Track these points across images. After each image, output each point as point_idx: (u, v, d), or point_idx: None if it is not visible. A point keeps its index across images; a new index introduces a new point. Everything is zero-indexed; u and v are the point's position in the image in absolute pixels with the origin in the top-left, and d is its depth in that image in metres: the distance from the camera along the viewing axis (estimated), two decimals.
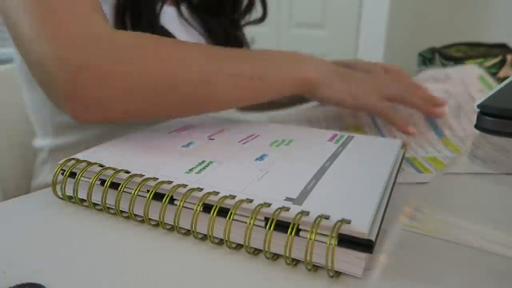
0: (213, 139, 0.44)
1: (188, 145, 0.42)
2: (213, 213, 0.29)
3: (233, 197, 0.30)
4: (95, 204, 0.34)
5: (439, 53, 0.78)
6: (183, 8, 0.62)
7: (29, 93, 0.58)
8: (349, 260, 0.26)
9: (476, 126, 0.31)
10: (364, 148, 0.42)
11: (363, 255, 0.25)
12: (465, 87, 0.59)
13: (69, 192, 0.35)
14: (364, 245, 0.25)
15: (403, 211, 0.26)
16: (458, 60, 0.74)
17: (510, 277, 0.22)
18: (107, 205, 0.33)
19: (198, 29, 0.63)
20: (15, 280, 0.25)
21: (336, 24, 1.88)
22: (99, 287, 0.25)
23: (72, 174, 0.35)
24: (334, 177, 0.34)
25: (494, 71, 0.71)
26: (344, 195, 0.31)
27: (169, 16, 0.60)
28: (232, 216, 0.28)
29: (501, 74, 0.71)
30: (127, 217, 0.33)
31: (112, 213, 0.33)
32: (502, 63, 0.71)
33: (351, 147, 0.42)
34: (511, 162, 0.33)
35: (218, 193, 0.30)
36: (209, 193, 0.30)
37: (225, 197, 0.29)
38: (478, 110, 0.31)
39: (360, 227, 0.25)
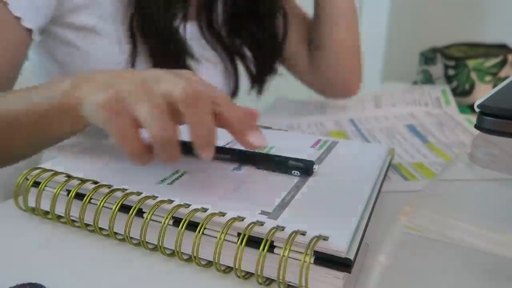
0: None
1: None
2: (182, 227, 0.27)
3: (205, 210, 0.28)
4: (59, 217, 0.33)
5: (440, 52, 0.77)
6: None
7: None
8: (326, 280, 0.24)
9: (476, 126, 0.31)
10: (348, 155, 0.41)
11: (341, 275, 0.24)
12: (424, 97, 0.69)
13: (33, 203, 0.34)
14: (343, 264, 0.24)
15: (402, 212, 0.25)
16: (458, 60, 0.74)
17: (509, 277, 0.22)
18: (72, 218, 0.32)
19: (214, 46, 0.62)
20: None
21: None
22: None
23: (37, 184, 0.33)
24: (314, 188, 0.33)
25: (495, 70, 0.71)
26: (323, 209, 0.29)
27: (188, 33, 0.58)
28: (202, 230, 0.27)
29: (502, 74, 0.71)
30: (93, 231, 0.31)
31: (77, 226, 0.32)
32: (503, 63, 0.71)
33: (334, 154, 0.41)
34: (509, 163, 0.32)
35: (189, 205, 0.29)
36: (179, 206, 0.29)
37: (196, 210, 0.28)
38: (478, 110, 0.31)
39: (338, 245, 0.24)
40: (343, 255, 0.24)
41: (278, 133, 0.49)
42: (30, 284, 0.26)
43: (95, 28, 0.50)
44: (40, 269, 0.28)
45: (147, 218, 0.28)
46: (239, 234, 0.26)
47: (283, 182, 0.34)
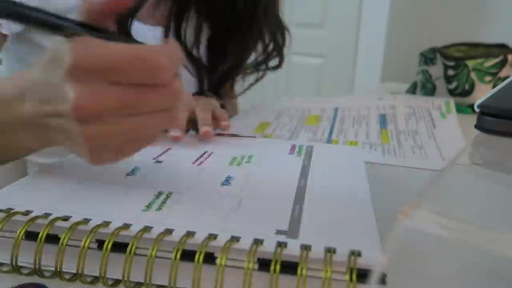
0: (160, 162, 0.41)
1: (133, 171, 0.38)
2: (199, 261, 0.26)
3: (215, 236, 0.27)
4: (20, 267, 0.29)
5: (440, 52, 0.83)
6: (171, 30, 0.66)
7: None
8: None
9: (476, 126, 0.33)
10: (330, 160, 0.44)
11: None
12: (427, 104, 0.74)
13: None
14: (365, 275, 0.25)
15: (402, 211, 0.25)
16: (458, 60, 0.78)
17: (509, 277, 0.22)
18: (42, 267, 0.29)
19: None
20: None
21: (336, 24, 2.02)
22: None
23: None
24: (316, 198, 0.34)
25: (494, 71, 0.77)
26: (336, 219, 0.31)
27: (152, 38, 0.62)
28: (224, 262, 0.26)
29: (502, 74, 0.76)
30: (72, 279, 0.28)
31: (48, 277, 0.29)
32: (503, 63, 0.76)
33: (317, 160, 0.43)
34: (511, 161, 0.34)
35: (194, 233, 0.28)
36: (186, 236, 0.27)
37: (209, 239, 0.27)
38: (478, 110, 0.33)
39: (375, 259, 0.25)
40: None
41: (251, 140, 0.50)
42: (31, 284, 0.26)
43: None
44: None
45: (151, 256, 0.26)
46: (259, 259, 0.26)
47: (282, 195, 0.34)
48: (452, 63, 0.77)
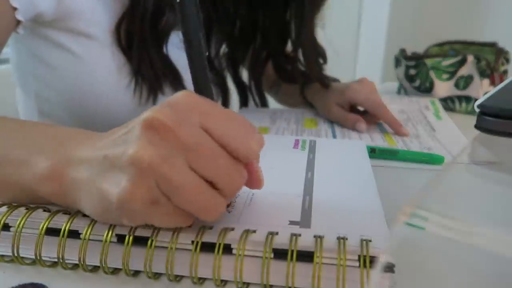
0: None
1: None
2: (218, 252, 0.28)
3: (232, 229, 0.29)
4: (43, 260, 0.31)
5: (402, 54, 0.88)
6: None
7: (22, 96, 0.65)
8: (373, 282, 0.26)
9: (476, 126, 0.34)
10: (335, 153, 0.45)
11: (388, 275, 0.26)
12: (418, 106, 0.79)
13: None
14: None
15: (402, 211, 0.27)
16: (418, 59, 0.84)
17: (511, 277, 0.23)
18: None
19: None
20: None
21: (336, 24, 1.96)
22: None
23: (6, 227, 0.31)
24: (324, 190, 0.36)
25: (452, 69, 0.81)
26: (345, 209, 0.32)
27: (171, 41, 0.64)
28: (242, 253, 0.28)
29: (461, 72, 0.80)
30: (93, 270, 0.30)
31: (70, 268, 0.31)
32: (461, 62, 0.80)
33: (321, 154, 0.45)
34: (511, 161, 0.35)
35: (211, 227, 0.29)
36: (204, 229, 0.29)
37: (225, 230, 0.29)
38: (478, 110, 0.34)
39: (385, 246, 0.27)
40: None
41: None
42: (31, 284, 0.27)
43: (88, 33, 0.55)
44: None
45: (172, 248, 0.28)
46: (273, 249, 0.28)
47: (291, 187, 0.36)
48: (412, 63, 0.84)
